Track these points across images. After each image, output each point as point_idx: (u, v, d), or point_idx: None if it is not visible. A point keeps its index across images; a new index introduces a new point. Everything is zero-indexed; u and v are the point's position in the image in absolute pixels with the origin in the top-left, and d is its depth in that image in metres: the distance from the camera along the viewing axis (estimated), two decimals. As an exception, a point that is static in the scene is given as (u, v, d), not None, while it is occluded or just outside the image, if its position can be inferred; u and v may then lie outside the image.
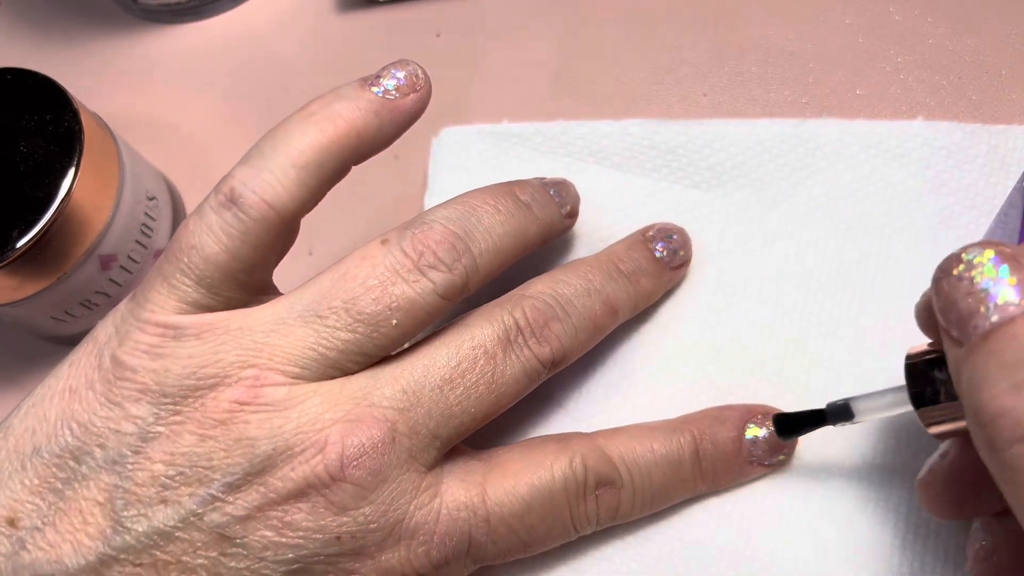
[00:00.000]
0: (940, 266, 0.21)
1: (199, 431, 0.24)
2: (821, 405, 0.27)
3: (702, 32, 0.38)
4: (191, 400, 0.25)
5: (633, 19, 0.39)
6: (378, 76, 0.28)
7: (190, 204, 0.40)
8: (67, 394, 0.26)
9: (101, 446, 0.25)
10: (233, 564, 0.24)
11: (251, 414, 0.24)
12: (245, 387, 0.25)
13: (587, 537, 0.29)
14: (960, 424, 0.23)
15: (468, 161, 0.36)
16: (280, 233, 0.26)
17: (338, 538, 0.24)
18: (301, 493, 0.24)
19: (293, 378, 0.25)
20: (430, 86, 0.28)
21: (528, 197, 0.30)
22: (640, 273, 0.31)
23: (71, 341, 0.37)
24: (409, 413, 0.25)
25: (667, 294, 0.33)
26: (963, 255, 0.21)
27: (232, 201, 0.25)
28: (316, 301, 0.26)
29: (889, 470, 0.29)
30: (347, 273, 0.26)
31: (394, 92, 0.28)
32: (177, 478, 0.24)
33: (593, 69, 0.38)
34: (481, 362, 0.26)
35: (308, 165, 0.26)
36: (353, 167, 0.28)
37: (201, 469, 0.24)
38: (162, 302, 0.26)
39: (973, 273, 0.20)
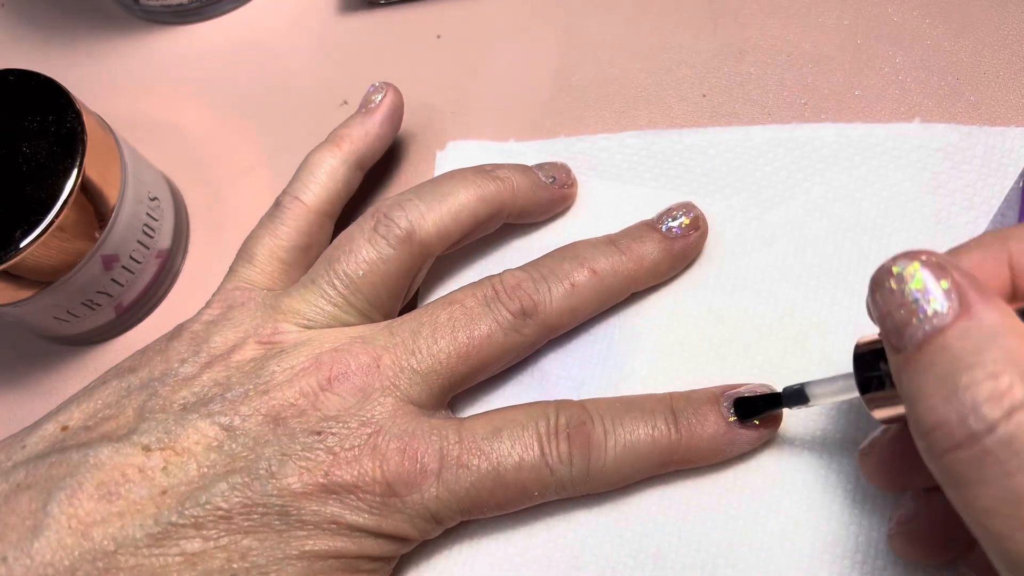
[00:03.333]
0: (873, 278, 0.22)
1: (226, 362, 0.30)
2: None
3: (701, 33, 0.38)
4: (226, 344, 0.30)
5: (632, 20, 0.39)
6: (364, 103, 0.36)
7: (191, 204, 0.40)
8: (142, 352, 0.31)
9: (150, 370, 0.30)
10: (230, 448, 0.28)
11: (268, 350, 0.30)
12: (267, 334, 0.30)
13: (585, 531, 0.29)
14: (902, 410, 0.24)
15: None
16: (310, 220, 0.34)
17: (319, 436, 0.28)
18: (294, 399, 0.29)
19: (304, 327, 0.31)
20: (396, 90, 0.37)
21: (493, 167, 0.34)
22: (632, 241, 0.32)
23: (73, 341, 0.38)
24: (393, 350, 0.30)
25: (666, 294, 0.33)
26: (893, 267, 0.22)
27: (276, 204, 0.34)
28: (314, 270, 0.32)
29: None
30: (336, 245, 0.32)
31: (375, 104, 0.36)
32: (199, 392, 0.29)
33: (593, 69, 0.38)
34: (457, 313, 0.30)
35: (324, 172, 0.34)
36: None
37: (220, 385, 0.29)
38: (225, 285, 0.33)
39: (904, 285, 0.21)
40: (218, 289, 0.33)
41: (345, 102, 0.40)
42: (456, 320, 0.30)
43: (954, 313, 0.20)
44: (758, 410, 0.29)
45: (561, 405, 0.29)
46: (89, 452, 0.27)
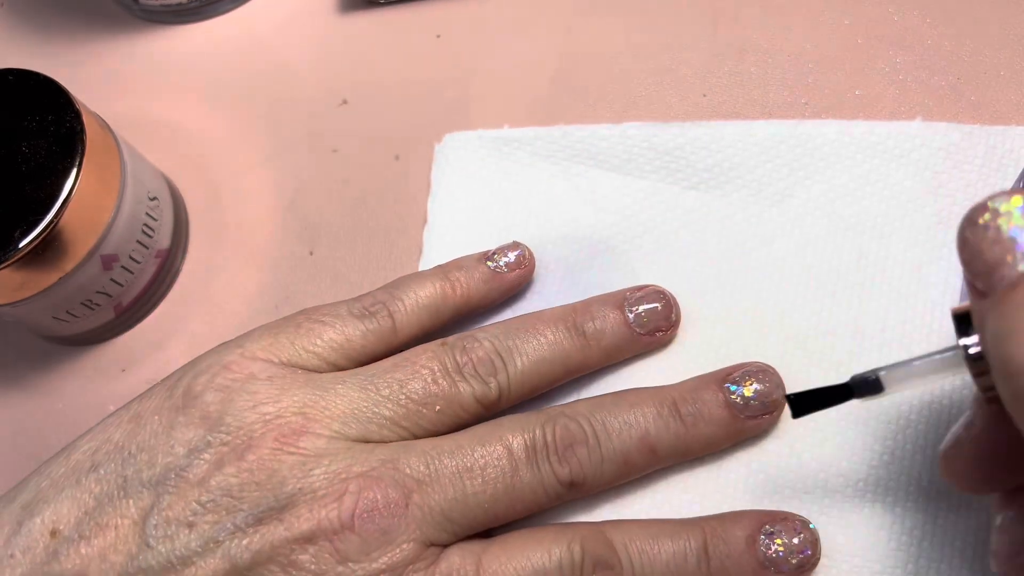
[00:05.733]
0: (966, 216, 0.20)
1: (239, 463, 0.26)
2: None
3: (702, 32, 0.38)
4: (241, 432, 0.27)
5: (632, 20, 0.39)
6: (495, 253, 0.33)
7: (191, 204, 0.40)
8: (135, 420, 0.28)
9: (150, 465, 0.27)
10: None
11: (288, 455, 0.26)
12: (291, 430, 0.27)
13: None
14: None
15: (470, 166, 0.36)
16: (389, 346, 0.30)
17: None
18: (312, 535, 0.26)
19: (334, 433, 0.27)
20: (534, 263, 0.33)
21: (594, 327, 0.31)
22: (699, 418, 0.29)
23: (73, 341, 0.38)
24: (427, 487, 0.27)
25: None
26: (990, 203, 0.20)
27: (367, 310, 0.30)
28: (376, 374, 0.28)
29: (888, 465, 0.29)
30: (407, 358, 0.29)
31: (503, 267, 0.33)
32: (208, 504, 0.26)
33: (593, 69, 0.38)
34: (503, 462, 0.27)
35: (430, 312, 0.31)
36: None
37: (232, 499, 0.26)
38: (256, 351, 0.29)
39: (1000, 221, 0.20)
40: (235, 347, 0.29)
41: (345, 101, 0.40)
42: (501, 473, 0.27)
43: None
44: (818, 405, 0.26)
45: (587, 541, 0.27)
46: None
